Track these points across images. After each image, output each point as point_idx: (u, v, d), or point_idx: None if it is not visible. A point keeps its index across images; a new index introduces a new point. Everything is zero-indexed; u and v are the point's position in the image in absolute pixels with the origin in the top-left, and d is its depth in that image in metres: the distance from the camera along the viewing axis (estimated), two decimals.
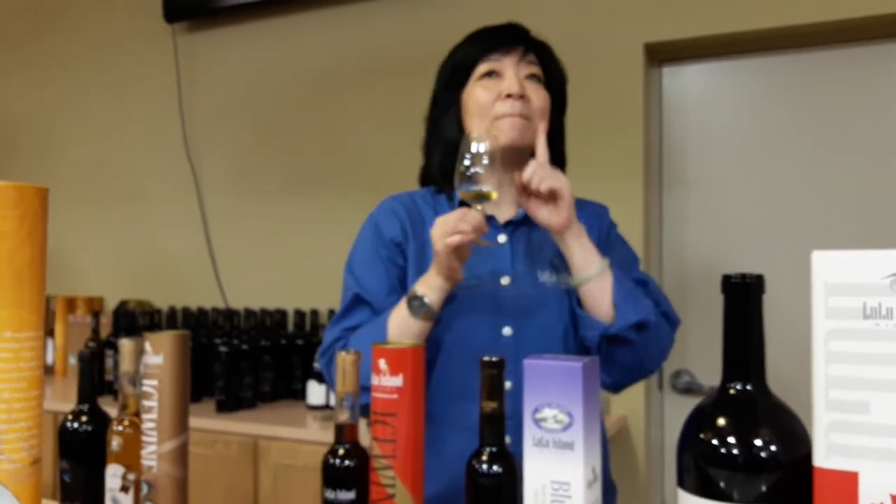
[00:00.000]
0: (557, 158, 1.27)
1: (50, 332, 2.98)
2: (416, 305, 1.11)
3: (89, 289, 3.18)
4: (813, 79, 2.19)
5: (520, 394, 1.13)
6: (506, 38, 1.23)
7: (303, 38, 2.79)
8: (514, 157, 1.21)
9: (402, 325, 1.13)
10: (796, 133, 2.20)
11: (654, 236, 2.35)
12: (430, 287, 1.12)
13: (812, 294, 0.62)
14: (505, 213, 1.27)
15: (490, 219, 1.24)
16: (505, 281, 1.21)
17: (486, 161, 1.08)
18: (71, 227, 3.23)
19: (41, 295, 0.64)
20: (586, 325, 1.16)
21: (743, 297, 0.66)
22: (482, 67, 1.22)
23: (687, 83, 2.35)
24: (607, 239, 1.30)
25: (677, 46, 2.27)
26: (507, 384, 1.16)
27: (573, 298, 1.19)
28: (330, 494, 0.78)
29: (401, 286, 1.24)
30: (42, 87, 3.37)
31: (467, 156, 1.09)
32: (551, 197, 1.11)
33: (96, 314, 2.68)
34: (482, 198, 1.09)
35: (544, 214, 1.12)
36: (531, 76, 1.22)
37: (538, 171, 1.10)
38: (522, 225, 1.26)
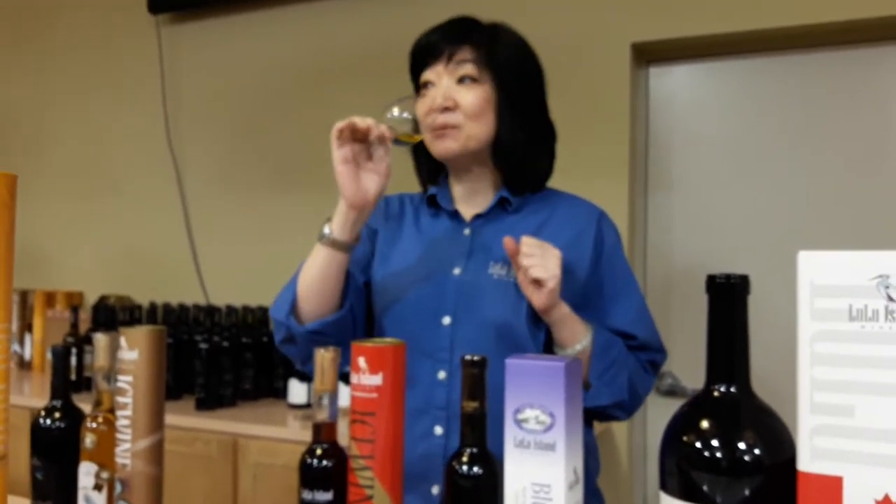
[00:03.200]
0: (518, 143, 1.23)
1: (28, 327, 2.94)
2: (321, 231, 1.15)
3: (69, 283, 3.14)
4: (800, 81, 2.20)
5: (455, 384, 1.16)
6: (433, 46, 1.22)
7: (289, 31, 2.77)
8: (463, 161, 1.24)
9: (313, 253, 1.16)
10: (783, 134, 2.21)
11: (639, 237, 2.34)
12: (336, 212, 1.15)
13: (798, 295, 0.61)
14: (472, 208, 1.27)
15: (455, 214, 1.27)
16: (457, 271, 1.21)
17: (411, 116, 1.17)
18: (52, 221, 3.19)
19: (8, 286, 0.62)
20: None
21: (727, 298, 0.65)
22: (422, 79, 1.24)
23: (674, 84, 2.35)
24: (601, 249, 1.24)
25: (664, 47, 2.27)
26: (442, 374, 1.17)
27: (520, 294, 1.16)
28: (307, 495, 0.76)
29: (366, 263, 1.29)
30: (24, 80, 3.33)
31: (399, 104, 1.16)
32: (535, 282, 1.10)
33: (75, 309, 2.64)
34: (410, 139, 1.17)
35: (529, 290, 1.12)
36: (462, 78, 1.20)
37: (529, 258, 1.09)
38: (490, 219, 1.26)
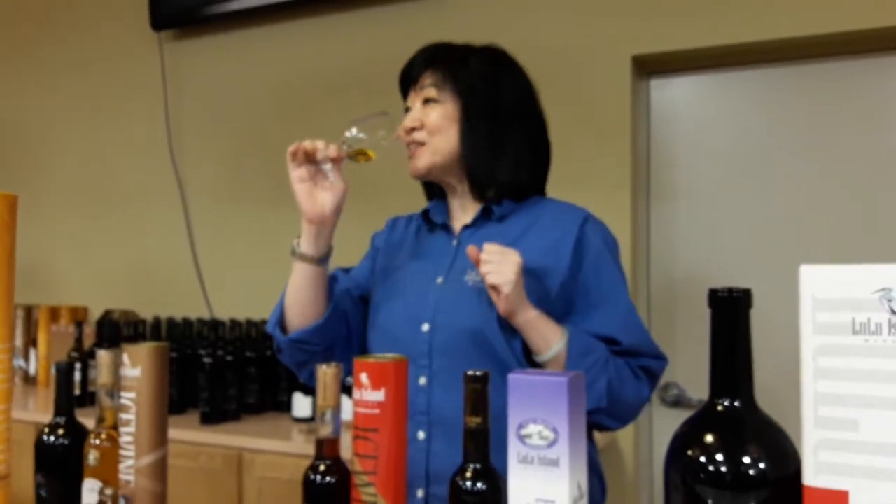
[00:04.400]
0: (480, 155, 1.28)
1: (33, 342, 2.94)
2: (291, 247, 1.26)
3: (73, 298, 3.14)
4: (801, 92, 2.20)
5: (434, 389, 1.20)
6: (405, 74, 1.35)
7: (290, 46, 2.78)
8: (438, 177, 1.32)
9: (292, 268, 1.26)
10: (784, 145, 2.21)
11: (642, 248, 2.34)
12: (302, 231, 1.25)
13: (800, 309, 0.61)
14: (460, 220, 1.33)
15: (445, 227, 1.34)
16: (439, 280, 1.27)
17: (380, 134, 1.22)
18: (55, 236, 3.20)
19: (9, 305, 0.62)
20: None
21: (730, 312, 0.65)
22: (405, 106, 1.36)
23: (675, 95, 2.35)
24: (582, 253, 1.24)
25: (665, 59, 2.28)
26: (423, 380, 1.21)
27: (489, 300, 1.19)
28: None
29: (363, 279, 1.40)
30: (27, 97, 3.34)
31: (354, 128, 1.22)
32: (493, 288, 1.13)
33: (80, 324, 2.64)
34: (359, 155, 1.23)
35: (493, 297, 1.15)
36: (426, 100, 1.30)
37: (486, 265, 1.13)
38: (477, 229, 1.30)
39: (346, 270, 1.42)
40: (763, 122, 2.24)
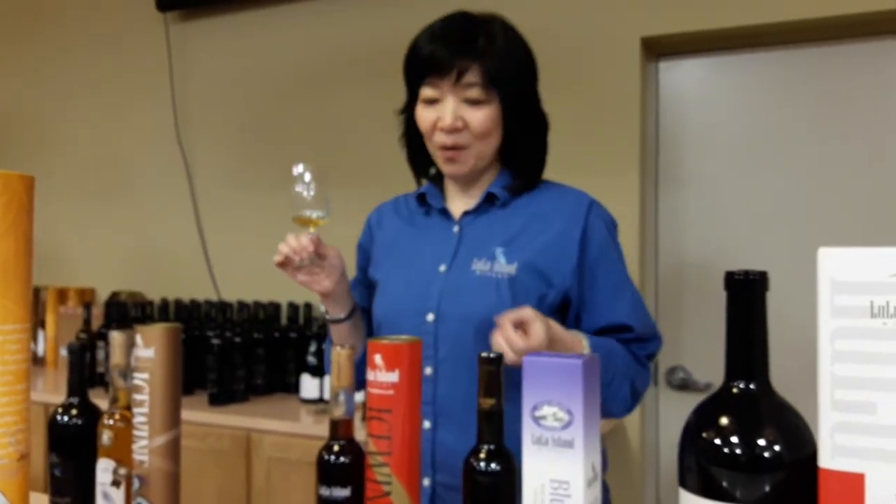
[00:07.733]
0: (523, 146, 1.27)
1: (41, 324, 2.96)
2: (323, 313, 1.30)
3: (81, 280, 3.15)
4: (812, 74, 2.18)
5: (440, 379, 1.19)
6: (439, 62, 1.17)
7: (298, 27, 2.77)
8: (462, 178, 1.28)
9: (331, 328, 1.31)
10: (795, 129, 2.19)
11: (650, 232, 2.34)
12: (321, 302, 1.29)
13: (818, 292, 0.60)
14: (462, 205, 1.29)
15: (443, 212, 1.30)
16: (442, 268, 1.24)
17: (312, 188, 1.21)
18: (63, 218, 3.21)
19: (27, 286, 0.62)
20: None
21: (746, 295, 0.65)
22: (424, 92, 1.21)
23: (684, 78, 2.34)
24: (590, 244, 1.22)
25: (674, 40, 2.26)
26: (428, 370, 1.20)
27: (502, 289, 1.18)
28: (325, 491, 0.76)
29: (363, 287, 1.39)
30: (33, 79, 3.34)
31: (296, 183, 1.20)
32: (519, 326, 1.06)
33: (88, 305, 2.65)
34: (309, 223, 1.22)
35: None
36: (468, 100, 1.18)
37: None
38: (478, 215, 1.28)
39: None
40: (773, 104, 2.22)
